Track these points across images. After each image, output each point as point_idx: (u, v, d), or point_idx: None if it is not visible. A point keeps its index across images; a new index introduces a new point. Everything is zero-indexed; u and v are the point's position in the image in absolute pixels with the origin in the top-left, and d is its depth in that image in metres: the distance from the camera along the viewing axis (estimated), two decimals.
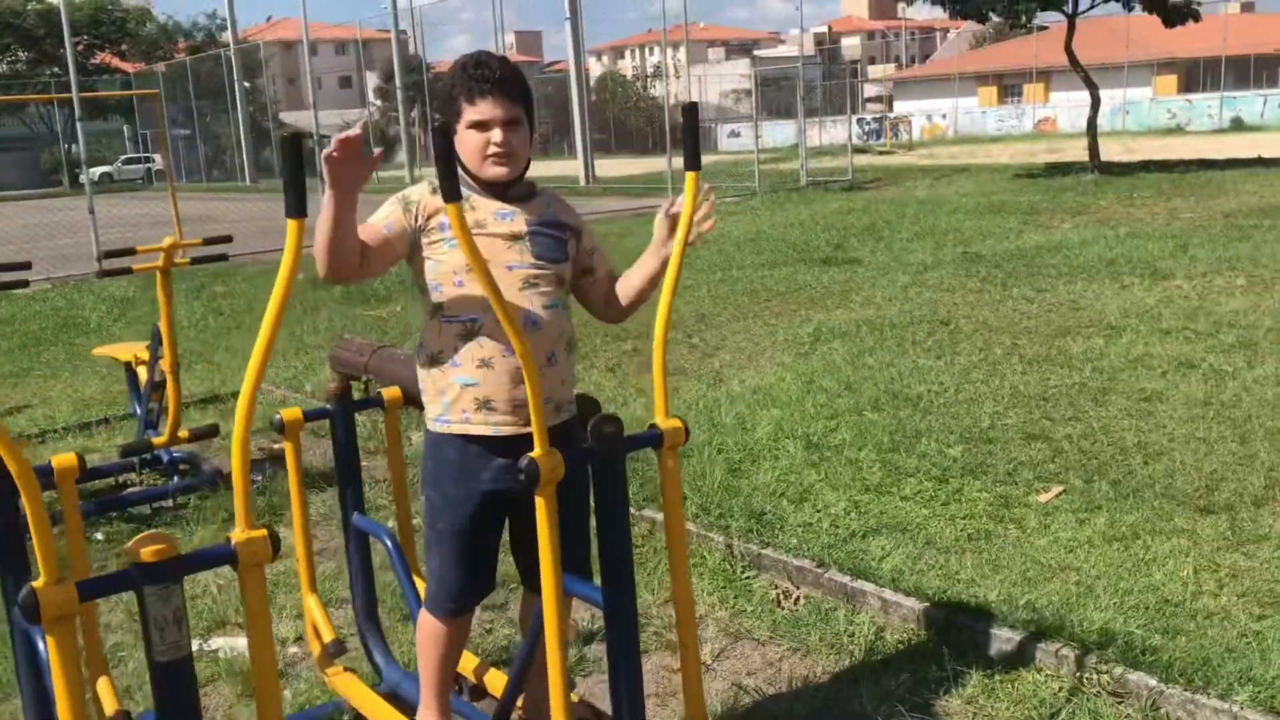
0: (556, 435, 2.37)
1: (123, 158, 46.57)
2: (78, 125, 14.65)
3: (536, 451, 2.21)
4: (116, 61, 49.57)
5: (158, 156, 43.90)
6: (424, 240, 2.59)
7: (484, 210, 2.59)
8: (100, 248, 13.99)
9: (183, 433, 5.34)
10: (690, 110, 2.46)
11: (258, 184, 37.44)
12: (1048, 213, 14.43)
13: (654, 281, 2.67)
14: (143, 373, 5.64)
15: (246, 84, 38.92)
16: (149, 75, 41.08)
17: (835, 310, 8.75)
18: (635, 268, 2.72)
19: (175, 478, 5.45)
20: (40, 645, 2.61)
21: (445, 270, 2.57)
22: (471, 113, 2.52)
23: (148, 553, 1.79)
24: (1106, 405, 5.67)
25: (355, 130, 2.23)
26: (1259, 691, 2.97)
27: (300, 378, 7.74)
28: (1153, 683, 3.09)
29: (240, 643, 3.89)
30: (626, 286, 2.75)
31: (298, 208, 1.86)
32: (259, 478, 5.54)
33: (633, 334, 8.41)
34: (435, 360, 2.64)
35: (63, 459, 2.83)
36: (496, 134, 2.52)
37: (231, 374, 8.02)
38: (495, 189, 2.61)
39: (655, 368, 2.44)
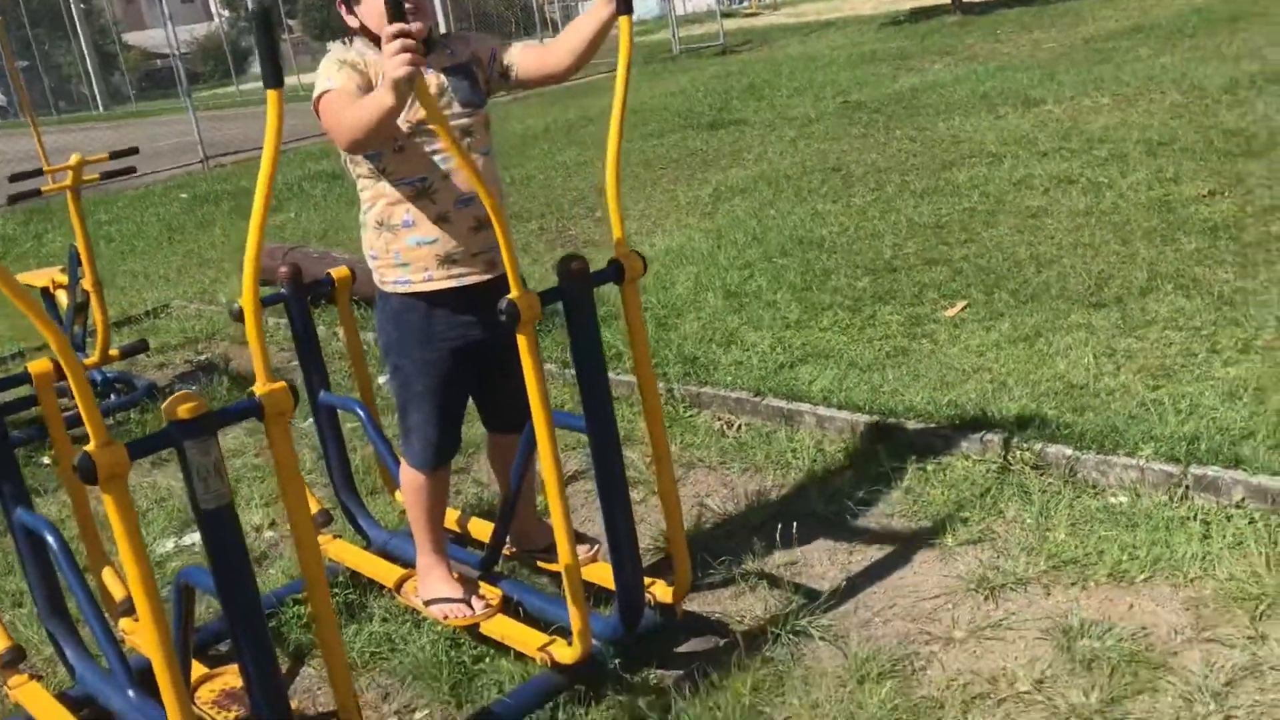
0: (504, 282, 2.51)
1: None
2: None
3: (514, 293, 2.40)
4: None
5: None
6: None
7: None
8: None
9: (113, 351, 5.37)
10: None
11: (111, 111, 35.87)
12: (918, 56, 14.73)
13: (606, 29, 2.61)
14: (62, 296, 5.61)
15: (82, 5, 36.90)
16: None
17: (730, 170, 8.96)
18: (587, 15, 2.64)
19: (112, 396, 5.49)
20: (50, 538, 2.75)
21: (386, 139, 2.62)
22: None
23: (183, 410, 1.94)
24: (996, 225, 6.03)
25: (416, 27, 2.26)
26: (1160, 446, 3.35)
27: (209, 291, 7.72)
28: (1069, 452, 3.45)
29: None
30: (577, 36, 2.67)
31: (275, 78, 1.98)
32: (194, 386, 5.61)
33: (536, 214, 8.54)
34: (386, 225, 2.75)
35: (38, 364, 2.93)
36: None
37: (138, 295, 7.97)
38: None
39: (610, 203, 2.63)
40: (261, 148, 1.99)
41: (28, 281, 5.97)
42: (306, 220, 10.02)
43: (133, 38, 49.21)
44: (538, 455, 2.58)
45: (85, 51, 36.06)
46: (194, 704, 2.69)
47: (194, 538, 4.06)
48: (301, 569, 2.18)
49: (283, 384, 2.07)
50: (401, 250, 2.75)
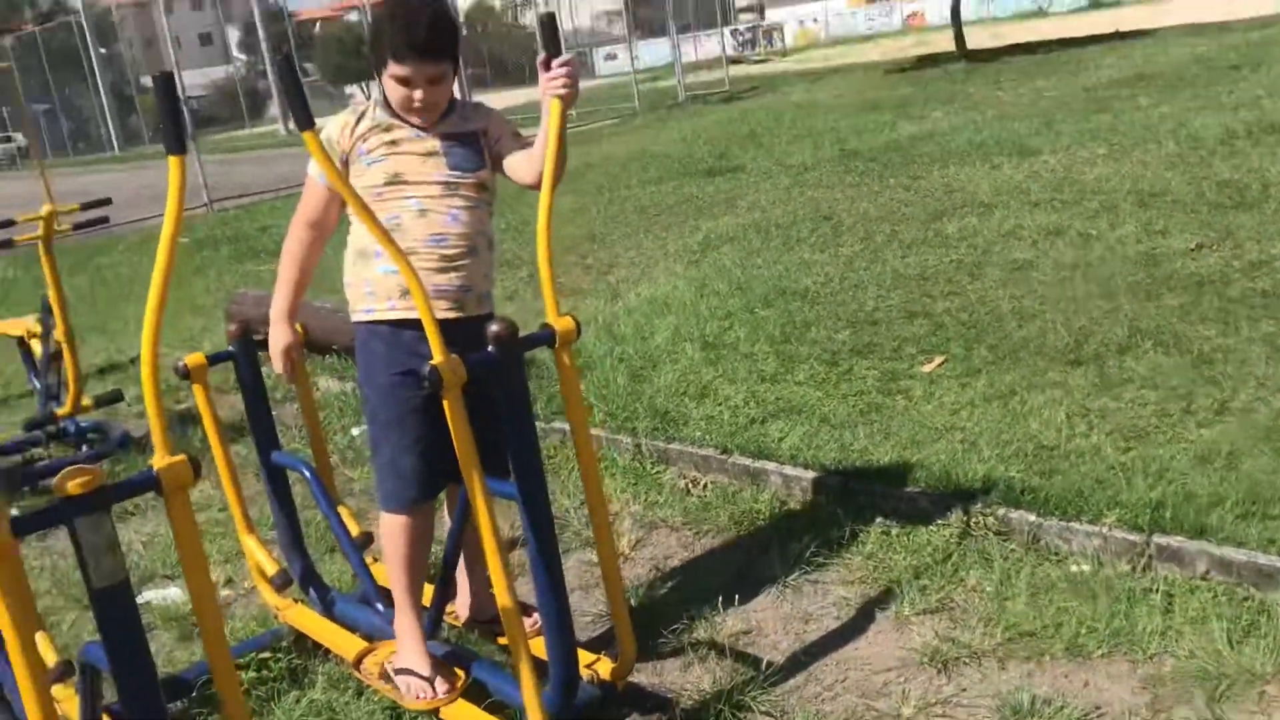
0: (481, 323, 2.53)
1: None
2: None
3: (437, 358, 2.34)
4: None
5: (19, 134, 42.02)
6: (351, 166, 2.79)
7: (400, 132, 2.78)
8: None
9: (86, 401, 5.33)
10: (548, 20, 2.60)
11: (126, 152, 36.25)
12: (919, 104, 14.74)
13: (560, 130, 2.64)
14: (37, 346, 5.59)
15: (102, 50, 37.37)
16: None
17: (722, 217, 8.93)
18: (543, 126, 2.68)
19: (85, 447, 5.44)
20: None
21: (364, 186, 2.74)
22: (396, 68, 2.67)
23: (74, 485, 1.88)
24: (982, 278, 5.96)
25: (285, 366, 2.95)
26: (1125, 513, 3.26)
27: (198, 338, 7.69)
28: (1032, 518, 3.36)
29: (170, 592, 3.97)
30: (538, 155, 2.73)
31: (178, 144, 1.94)
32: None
33: (527, 260, 8.50)
34: (363, 254, 2.82)
35: None
36: (419, 93, 2.70)
37: (127, 342, 7.94)
38: None
39: (541, 267, 2.57)
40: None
41: (3, 331, 5.96)
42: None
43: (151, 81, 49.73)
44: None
45: (103, 95, 36.48)
46: None
47: (149, 594, 3.98)
48: (207, 659, 2.10)
49: (182, 457, 2.01)
50: (371, 279, 2.80)
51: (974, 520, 3.46)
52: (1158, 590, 3.00)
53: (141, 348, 1.96)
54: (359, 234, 2.84)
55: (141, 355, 1.96)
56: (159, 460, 1.99)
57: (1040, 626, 2.96)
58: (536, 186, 2.77)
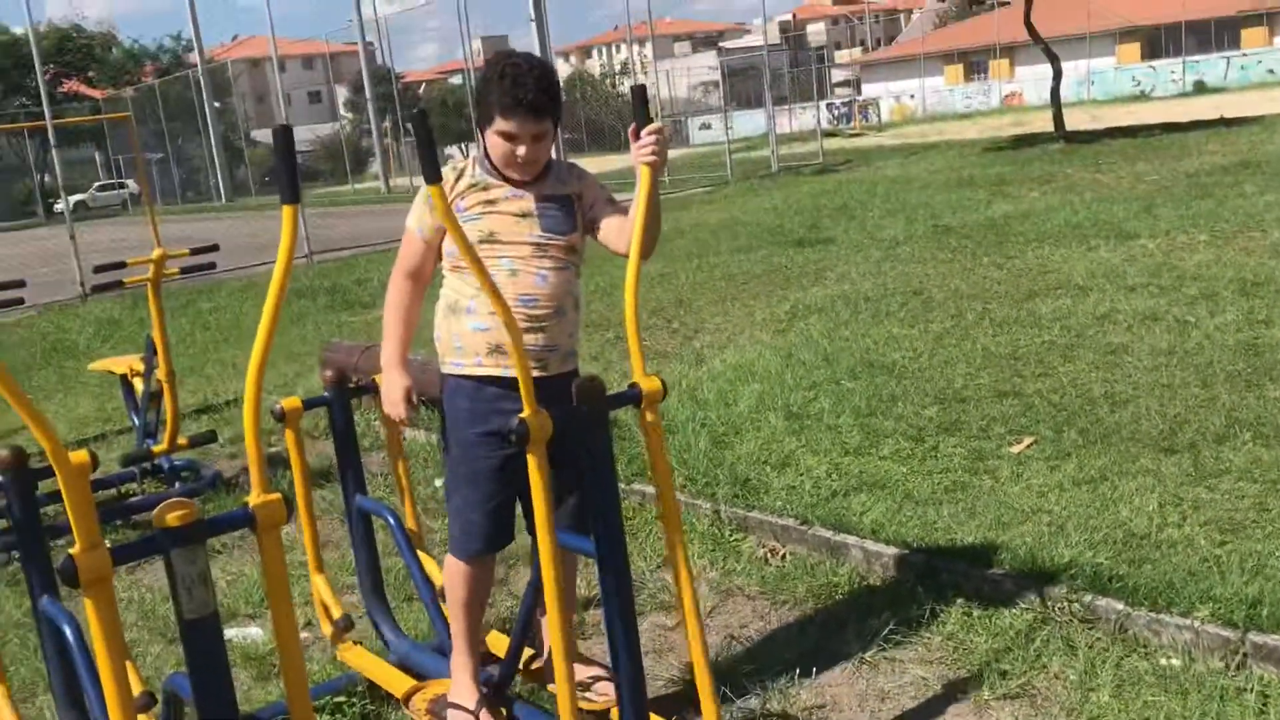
0: (565, 381, 2.59)
1: (96, 184, 46.33)
2: (54, 153, 14.73)
3: (525, 412, 2.38)
4: (84, 88, 49.44)
5: (132, 181, 43.72)
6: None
7: (497, 192, 2.86)
8: (83, 271, 14.06)
9: (181, 440, 5.49)
10: (639, 91, 2.66)
11: (233, 203, 37.46)
12: (1015, 183, 14.63)
13: (653, 199, 2.70)
14: (139, 384, 5.78)
15: (216, 104, 38.86)
16: (118, 100, 41.00)
17: (811, 288, 8.93)
18: (635, 195, 2.76)
19: (177, 484, 5.59)
20: (67, 631, 2.76)
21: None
22: (502, 124, 2.76)
23: (172, 518, 1.94)
24: (1075, 360, 5.86)
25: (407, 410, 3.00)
26: (1218, 608, 3.16)
27: (291, 384, 7.87)
28: (1120, 606, 3.27)
29: (252, 630, 4.04)
30: (630, 225, 2.76)
31: (292, 194, 2.02)
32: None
33: (614, 322, 8.58)
34: (453, 309, 2.91)
35: (76, 455, 2.97)
36: (522, 149, 2.78)
37: (224, 384, 8.16)
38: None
39: (629, 329, 2.60)
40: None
41: (108, 368, 6.18)
42: None
43: (262, 135, 51.49)
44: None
45: (214, 147, 37.85)
46: None
47: (231, 632, 4.05)
48: (286, 696, 2.14)
49: (277, 496, 2.06)
50: (460, 334, 2.89)
51: (1059, 606, 3.39)
52: (1252, 690, 2.89)
53: (245, 386, 2.03)
54: (450, 289, 2.93)
55: (245, 394, 2.03)
56: (255, 497, 2.05)
57: None
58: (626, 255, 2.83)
